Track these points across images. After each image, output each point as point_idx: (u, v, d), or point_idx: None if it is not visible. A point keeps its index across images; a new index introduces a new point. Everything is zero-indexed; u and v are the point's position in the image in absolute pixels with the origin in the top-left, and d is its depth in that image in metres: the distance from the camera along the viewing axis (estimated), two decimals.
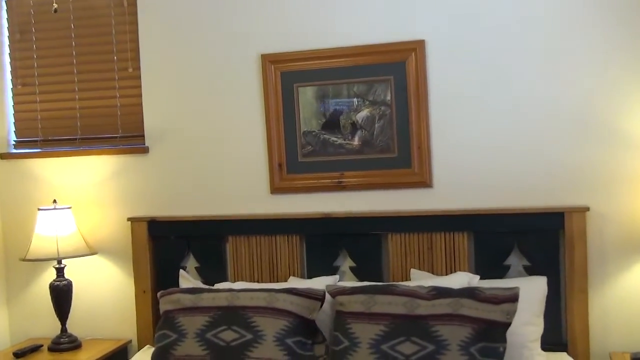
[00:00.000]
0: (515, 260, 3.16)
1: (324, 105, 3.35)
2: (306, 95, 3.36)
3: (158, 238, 3.55)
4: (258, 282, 3.39)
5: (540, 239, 3.11)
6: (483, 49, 3.16)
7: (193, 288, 3.10)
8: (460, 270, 3.17)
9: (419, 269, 3.23)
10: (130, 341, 3.61)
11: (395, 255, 3.26)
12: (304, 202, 3.39)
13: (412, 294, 2.75)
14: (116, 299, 3.65)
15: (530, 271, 3.12)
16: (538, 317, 2.94)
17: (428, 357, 2.57)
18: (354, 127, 3.32)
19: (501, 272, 3.14)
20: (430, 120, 3.23)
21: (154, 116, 3.57)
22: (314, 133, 3.37)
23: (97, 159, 3.64)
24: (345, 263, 3.34)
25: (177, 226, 3.51)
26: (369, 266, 3.30)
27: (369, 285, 2.88)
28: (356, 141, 3.33)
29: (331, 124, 3.35)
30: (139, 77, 3.57)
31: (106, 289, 3.68)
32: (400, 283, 2.89)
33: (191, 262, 3.53)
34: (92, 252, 3.56)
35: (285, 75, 3.37)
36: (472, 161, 3.20)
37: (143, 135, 3.59)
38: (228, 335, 2.81)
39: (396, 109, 3.26)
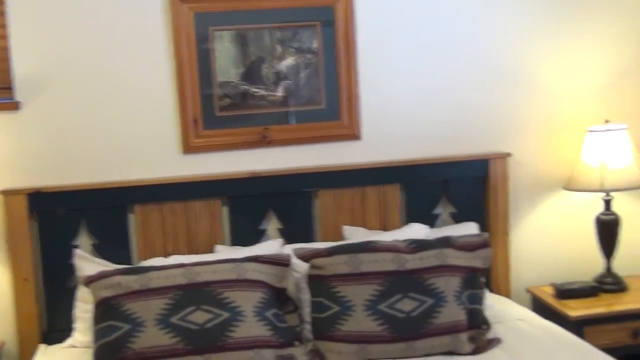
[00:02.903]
0: (442, 209, 3.19)
1: (244, 52, 3.00)
2: (223, 41, 2.99)
3: (42, 213, 2.90)
4: (173, 255, 2.95)
5: (466, 186, 3.18)
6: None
7: (131, 268, 2.62)
8: (392, 222, 3.12)
9: (352, 225, 3.10)
10: (4, 344, 2.91)
11: (326, 212, 3.10)
12: (223, 161, 3.03)
13: (394, 249, 2.64)
14: None
15: (457, 218, 3.18)
16: None
17: (429, 311, 2.50)
18: (278, 77, 3.05)
19: (431, 221, 3.15)
20: (358, 70, 3.08)
21: (26, 63, 2.87)
22: (232, 84, 3.02)
23: None
24: (271, 225, 3.07)
25: (66, 197, 2.90)
26: (299, 226, 3.08)
27: (346, 245, 2.70)
28: (280, 92, 3.06)
29: (252, 73, 3.03)
30: (3, 13, 2.84)
31: None
32: (376, 239, 2.74)
33: (85, 240, 2.96)
34: None
35: (200, 17, 2.94)
36: (399, 112, 3.15)
37: (10, 88, 2.88)
38: (199, 317, 2.41)
39: (323, 57, 3.05)
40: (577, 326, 2.85)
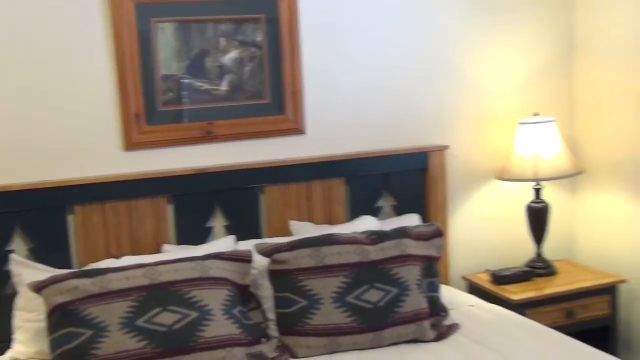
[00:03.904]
0: (383, 201, 3.24)
1: (187, 45, 2.91)
2: (165, 33, 2.88)
3: None
4: (116, 257, 2.81)
5: (406, 178, 3.25)
6: None
7: (86, 271, 2.46)
8: (337, 216, 3.14)
9: (298, 220, 3.08)
10: None
11: (273, 207, 3.06)
12: (167, 157, 2.93)
13: (355, 240, 2.65)
14: None
15: (398, 210, 3.24)
16: None
17: (395, 300, 2.53)
18: (221, 70, 2.98)
19: (374, 213, 3.19)
20: (302, 63, 3.07)
21: None
22: (175, 77, 2.92)
23: None
24: (218, 223, 3.00)
25: None
26: (246, 222, 3.02)
27: (306, 239, 2.67)
28: (224, 86, 2.99)
29: (195, 67, 2.94)
30: None
31: None
32: (336, 232, 2.73)
33: (20, 244, 2.75)
34: None
35: (141, 7, 2.82)
36: (341, 106, 3.17)
37: None
38: (166, 318, 2.32)
39: (267, 50, 3.02)
40: (518, 309, 2.97)
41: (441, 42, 3.27)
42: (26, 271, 2.63)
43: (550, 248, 3.36)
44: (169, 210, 2.93)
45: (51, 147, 2.78)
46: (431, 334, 2.54)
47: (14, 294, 2.65)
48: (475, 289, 3.26)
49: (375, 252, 2.61)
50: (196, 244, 2.90)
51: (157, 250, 2.87)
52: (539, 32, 3.41)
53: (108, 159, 2.85)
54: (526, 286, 3.17)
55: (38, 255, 2.75)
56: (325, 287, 2.51)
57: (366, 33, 3.16)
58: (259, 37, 3.00)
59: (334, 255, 2.57)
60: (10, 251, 2.72)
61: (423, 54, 3.25)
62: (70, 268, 2.75)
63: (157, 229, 2.90)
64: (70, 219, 2.81)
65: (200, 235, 2.95)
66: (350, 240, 2.64)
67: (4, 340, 2.64)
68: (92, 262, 2.75)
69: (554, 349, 2.40)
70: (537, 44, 3.44)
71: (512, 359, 2.30)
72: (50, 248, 2.77)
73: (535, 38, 3.42)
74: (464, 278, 3.36)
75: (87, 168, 2.82)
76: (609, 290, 3.19)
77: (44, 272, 2.61)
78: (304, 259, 2.56)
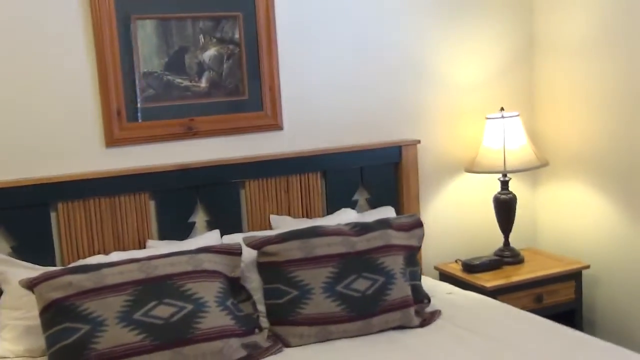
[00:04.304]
0: (359, 195, 3.33)
1: (167, 42, 2.94)
2: (145, 30, 2.90)
3: None
4: (105, 254, 2.81)
5: (380, 172, 3.34)
6: None
7: (79, 267, 2.46)
8: (315, 210, 3.21)
9: (277, 214, 3.14)
10: None
11: (254, 202, 3.11)
12: (149, 154, 2.94)
13: (341, 232, 2.73)
14: None
15: (372, 203, 3.34)
16: None
17: (382, 289, 2.62)
18: (201, 67, 3.01)
19: (351, 207, 3.27)
20: (279, 60, 3.13)
21: None
22: (155, 74, 2.94)
23: None
24: (199, 218, 3.03)
25: None
26: (227, 217, 3.06)
27: (294, 231, 2.73)
28: (204, 83, 3.03)
29: (175, 63, 2.97)
30: None
31: None
32: (322, 225, 2.80)
33: (2, 243, 2.73)
34: None
35: (121, 3, 2.83)
36: (318, 101, 3.24)
37: None
38: (163, 311, 2.34)
39: (245, 48, 3.07)
40: (492, 296, 3.09)
41: (411, 42, 3.38)
42: (11, 269, 2.61)
43: (515, 237, 3.50)
44: (151, 206, 2.93)
45: (33, 145, 2.76)
46: (416, 320, 2.63)
47: None
48: (447, 278, 3.37)
49: (361, 243, 2.69)
50: (179, 240, 2.91)
51: (141, 246, 2.88)
52: (502, 31, 3.57)
53: (90, 155, 2.85)
54: (496, 274, 3.31)
55: (21, 253, 2.72)
56: (315, 277, 2.58)
57: (341, 31, 3.25)
58: (237, 35, 3.04)
59: (322, 246, 2.64)
60: None
61: (394, 53, 3.35)
62: (54, 265, 2.74)
63: (140, 225, 2.91)
64: (53, 216, 2.79)
65: (183, 231, 2.98)
66: (337, 232, 2.71)
67: None
68: (76, 260, 2.75)
69: (532, 328, 2.54)
70: (500, 42, 3.58)
71: (495, 340, 2.41)
72: (33, 246, 2.75)
73: (498, 37, 3.57)
74: (436, 268, 3.48)
75: (69, 165, 2.81)
76: (574, 276, 3.35)
77: (28, 270, 2.60)
78: (293, 250, 2.62)
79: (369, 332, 2.57)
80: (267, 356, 2.42)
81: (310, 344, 2.51)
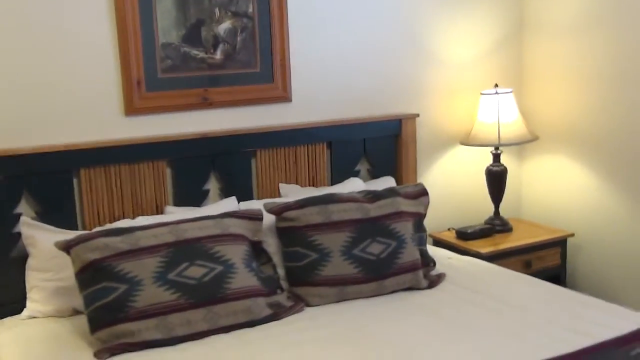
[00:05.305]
0: (360, 166, 3.49)
1: (185, 14, 3.03)
2: (165, 3, 2.98)
3: None
4: (119, 219, 2.92)
5: (381, 144, 3.50)
6: None
7: (112, 229, 2.56)
8: (320, 179, 3.36)
9: (286, 183, 3.29)
10: None
11: (264, 171, 3.24)
12: (166, 123, 3.04)
13: (355, 199, 2.89)
14: None
15: (373, 174, 3.50)
16: None
17: (394, 252, 2.79)
18: (216, 40, 3.11)
19: (354, 176, 3.43)
20: (289, 35, 3.25)
21: None
22: (173, 45, 3.03)
23: None
24: (213, 185, 3.16)
25: (5, 164, 2.72)
26: (238, 185, 3.19)
27: (311, 197, 2.87)
28: (219, 55, 3.13)
29: (192, 36, 3.06)
30: None
31: None
32: (337, 192, 2.96)
33: (27, 208, 2.81)
34: None
35: None
36: (324, 77, 3.38)
37: None
38: (195, 272, 2.47)
39: (258, 22, 3.18)
40: (487, 261, 3.30)
41: (411, 21, 3.54)
42: (38, 233, 2.70)
43: (502, 207, 3.71)
44: (168, 174, 3.04)
45: (56, 112, 2.83)
46: (424, 282, 2.82)
47: (20, 257, 2.70)
48: (442, 245, 3.57)
49: (374, 210, 2.85)
50: (193, 206, 3.03)
51: (158, 211, 2.99)
52: (494, 11, 3.75)
53: (110, 124, 2.93)
54: (488, 242, 3.52)
55: (44, 218, 2.80)
56: (334, 241, 2.73)
57: (347, 10, 3.38)
58: (250, 9, 3.15)
59: (339, 212, 2.79)
60: (19, 214, 2.76)
61: (394, 31, 3.51)
62: (76, 229, 2.83)
63: (158, 191, 3.02)
64: (76, 182, 2.87)
65: (197, 198, 3.09)
66: (351, 199, 2.87)
67: (15, 301, 2.69)
68: (97, 224, 2.85)
69: (528, 287, 2.78)
70: (492, 22, 3.77)
71: (497, 298, 2.62)
72: (56, 211, 2.83)
73: (490, 17, 3.75)
74: (430, 235, 3.66)
75: (90, 132, 2.89)
76: (559, 243, 3.59)
77: (55, 233, 2.69)
78: (312, 216, 2.77)
79: (382, 292, 2.74)
80: (290, 314, 2.57)
81: (329, 303, 2.67)
